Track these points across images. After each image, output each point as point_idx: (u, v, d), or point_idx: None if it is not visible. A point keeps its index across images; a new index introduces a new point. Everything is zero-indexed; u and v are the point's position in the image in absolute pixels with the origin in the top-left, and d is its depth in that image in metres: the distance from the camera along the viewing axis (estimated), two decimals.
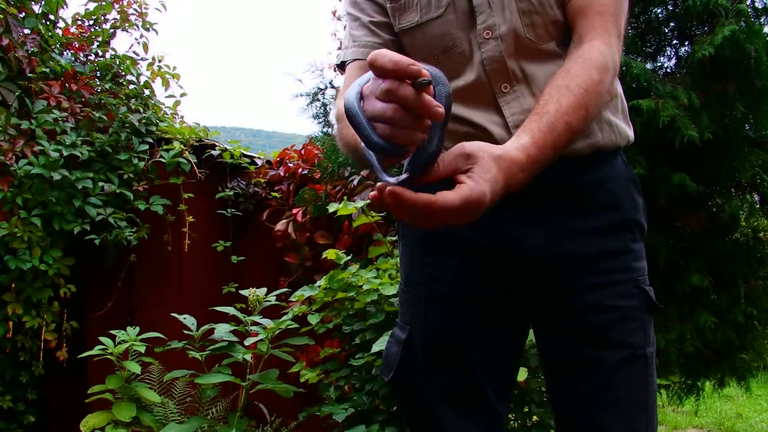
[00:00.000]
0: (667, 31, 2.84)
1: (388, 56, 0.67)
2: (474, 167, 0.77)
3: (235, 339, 2.13)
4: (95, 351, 2.23)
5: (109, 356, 2.23)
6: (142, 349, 2.28)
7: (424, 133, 0.70)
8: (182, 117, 3.62)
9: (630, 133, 1.13)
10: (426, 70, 0.68)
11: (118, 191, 2.97)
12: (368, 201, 2.51)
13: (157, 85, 3.58)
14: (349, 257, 2.48)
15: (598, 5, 1.01)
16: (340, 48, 1.24)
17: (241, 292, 2.36)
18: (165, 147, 3.16)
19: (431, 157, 0.75)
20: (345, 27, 1.20)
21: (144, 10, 3.58)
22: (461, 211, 0.75)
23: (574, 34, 1.03)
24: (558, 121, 0.89)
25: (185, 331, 2.17)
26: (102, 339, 2.27)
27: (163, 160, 3.09)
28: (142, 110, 3.29)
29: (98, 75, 3.41)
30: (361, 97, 0.72)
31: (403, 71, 0.66)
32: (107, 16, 3.53)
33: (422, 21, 1.08)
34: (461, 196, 0.74)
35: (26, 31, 3.09)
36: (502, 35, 1.04)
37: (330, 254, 2.45)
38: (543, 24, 1.04)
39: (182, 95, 3.62)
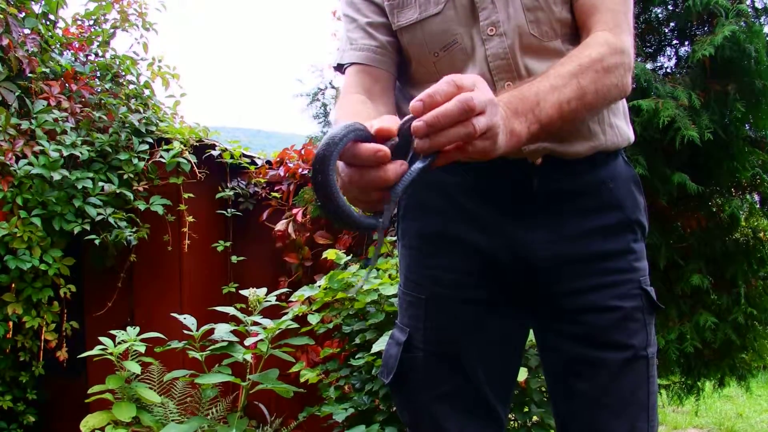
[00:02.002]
0: (667, 31, 2.84)
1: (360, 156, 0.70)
2: None
3: (235, 339, 2.13)
4: (95, 351, 2.23)
5: (109, 356, 2.23)
6: (142, 349, 2.28)
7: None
8: (182, 117, 3.61)
9: (630, 134, 1.13)
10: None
11: (118, 191, 2.97)
12: None
13: (157, 85, 3.58)
14: (349, 257, 2.48)
15: (610, 3, 1.02)
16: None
17: (241, 292, 2.36)
18: (165, 147, 3.16)
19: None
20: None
21: (144, 10, 3.58)
22: (474, 82, 0.74)
23: (583, 31, 1.03)
24: (541, 82, 0.89)
25: (185, 331, 2.17)
26: (102, 339, 2.28)
27: (163, 160, 3.09)
28: (142, 110, 3.29)
29: (98, 75, 3.41)
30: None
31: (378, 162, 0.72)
32: (107, 16, 3.53)
33: (421, 18, 1.07)
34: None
35: (26, 31, 3.09)
36: (506, 32, 1.03)
37: (330, 254, 2.45)
38: (548, 21, 1.03)
39: (182, 95, 3.62)
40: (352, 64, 1.11)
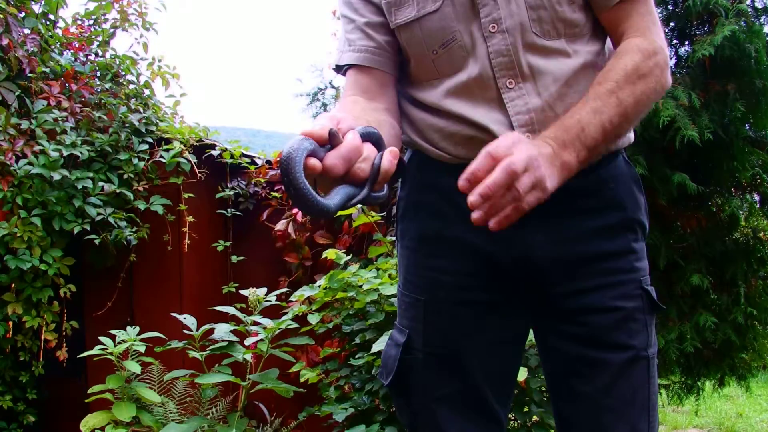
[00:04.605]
0: (667, 31, 2.84)
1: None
2: None
3: (235, 339, 2.13)
4: (95, 351, 2.23)
5: (109, 356, 2.23)
6: (142, 349, 2.28)
7: None
8: (182, 117, 3.60)
9: (631, 134, 1.13)
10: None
11: (118, 191, 2.97)
12: None
13: (157, 84, 3.57)
14: (349, 257, 2.48)
15: (637, 7, 1.04)
16: None
17: (241, 292, 2.36)
18: (165, 147, 3.15)
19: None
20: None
21: (144, 10, 3.58)
22: (508, 147, 0.82)
23: (614, 39, 1.06)
24: (582, 108, 0.94)
25: (185, 331, 2.17)
26: (102, 339, 2.28)
27: (163, 160, 3.08)
28: (142, 110, 3.29)
29: (98, 75, 3.41)
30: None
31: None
32: (107, 16, 3.52)
33: (419, 15, 1.06)
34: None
35: (26, 31, 3.08)
36: (508, 29, 1.02)
37: (330, 254, 2.45)
38: (550, 20, 1.02)
39: (182, 95, 3.62)
40: (350, 66, 1.11)
